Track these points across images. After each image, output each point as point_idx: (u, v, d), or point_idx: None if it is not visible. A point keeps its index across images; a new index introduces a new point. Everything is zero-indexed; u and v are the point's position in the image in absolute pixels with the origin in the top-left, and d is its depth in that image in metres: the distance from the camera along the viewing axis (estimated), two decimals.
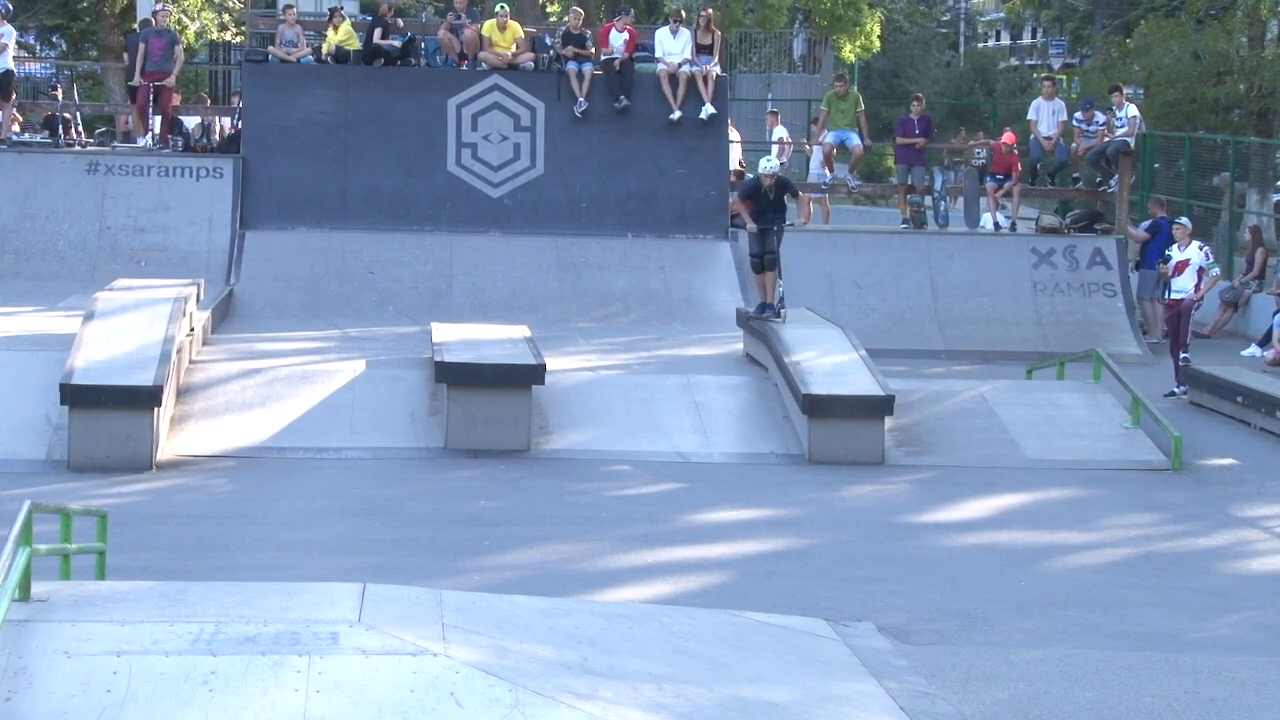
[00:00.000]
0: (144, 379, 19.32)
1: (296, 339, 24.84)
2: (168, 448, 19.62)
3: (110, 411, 19.05)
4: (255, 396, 21.13)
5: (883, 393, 20.73)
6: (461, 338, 22.23)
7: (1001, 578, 15.60)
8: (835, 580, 15.23)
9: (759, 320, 23.44)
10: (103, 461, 18.73)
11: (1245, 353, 27.71)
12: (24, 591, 10.50)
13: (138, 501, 17.20)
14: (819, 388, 20.59)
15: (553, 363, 21.42)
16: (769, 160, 24.85)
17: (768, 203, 23.45)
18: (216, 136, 31.55)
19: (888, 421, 20.71)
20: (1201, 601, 14.88)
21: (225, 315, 26.39)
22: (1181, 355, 25.09)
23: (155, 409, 19.21)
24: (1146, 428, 21.36)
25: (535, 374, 20.68)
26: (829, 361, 21.55)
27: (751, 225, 23.69)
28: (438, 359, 20.99)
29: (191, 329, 22.63)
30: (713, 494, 18.65)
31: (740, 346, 24.79)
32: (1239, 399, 23.39)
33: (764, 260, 23.82)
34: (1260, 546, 17.17)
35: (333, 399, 21.13)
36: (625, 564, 15.81)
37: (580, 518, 17.51)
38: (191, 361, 22.19)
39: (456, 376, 20.57)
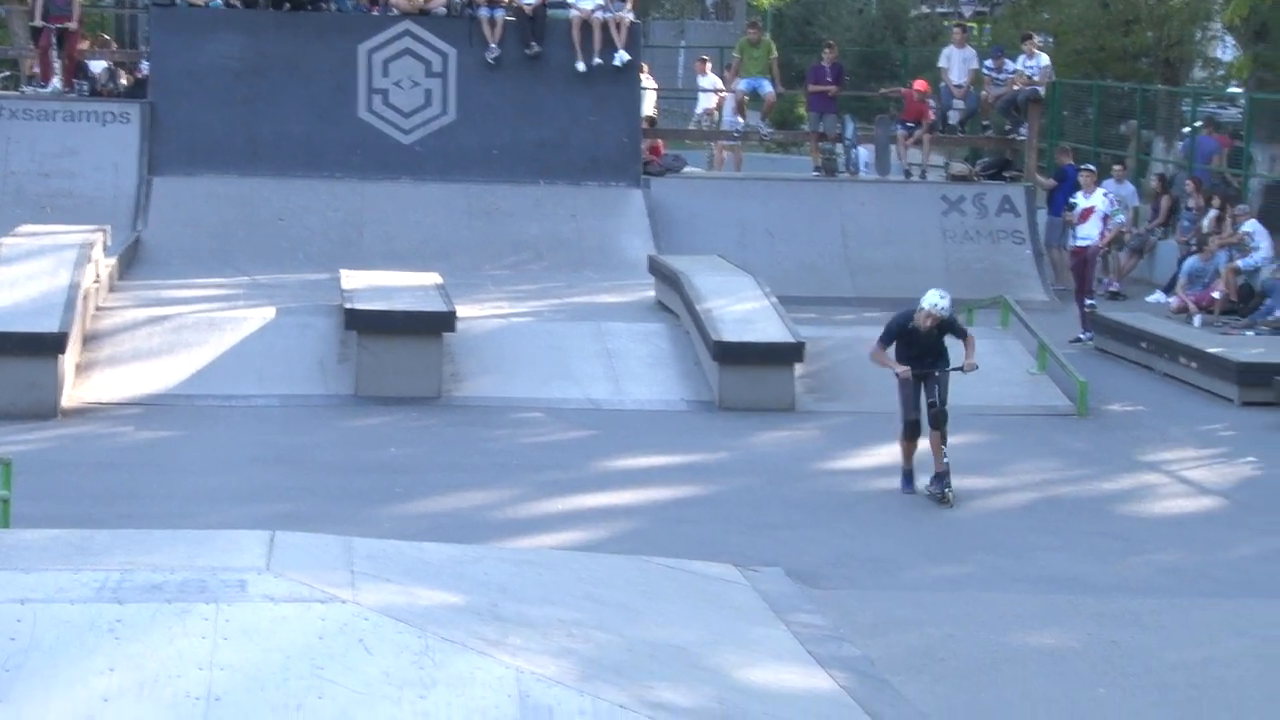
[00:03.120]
0: (49, 325, 19.16)
1: (205, 286, 24.63)
2: (73, 395, 19.46)
3: (14, 358, 18.88)
4: (163, 344, 20.97)
5: (793, 340, 20.77)
6: (372, 285, 22.11)
7: (910, 522, 15.71)
8: (744, 526, 15.28)
9: (935, 493, 16.46)
10: (7, 409, 18.55)
11: (1151, 299, 27.92)
12: None
13: (43, 449, 17.06)
14: (730, 335, 20.60)
15: (464, 310, 21.36)
16: (939, 297, 16.40)
17: (923, 348, 16.46)
18: (124, 81, 31.18)
19: (798, 368, 20.76)
20: (1105, 545, 15.02)
21: (132, 262, 26.14)
22: (1087, 302, 25.32)
23: (60, 356, 19.05)
24: (1053, 373, 21.52)
25: (446, 321, 20.62)
26: (740, 309, 21.57)
27: (901, 369, 16.47)
28: (348, 306, 20.89)
29: (98, 276, 22.42)
30: (624, 441, 18.66)
31: (652, 294, 24.76)
32: (1143, 345, 23.59)
33: (929, 415, 16.38)
34: (1163, 490, 17.34)
35: (242, 346, 20.98)
36: (536, 511, 15.82)
37: (491, 465, 17.49)
38: (98, 308, 22.00)
39: (366, 324, 20.47)
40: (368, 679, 9.29)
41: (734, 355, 20.44)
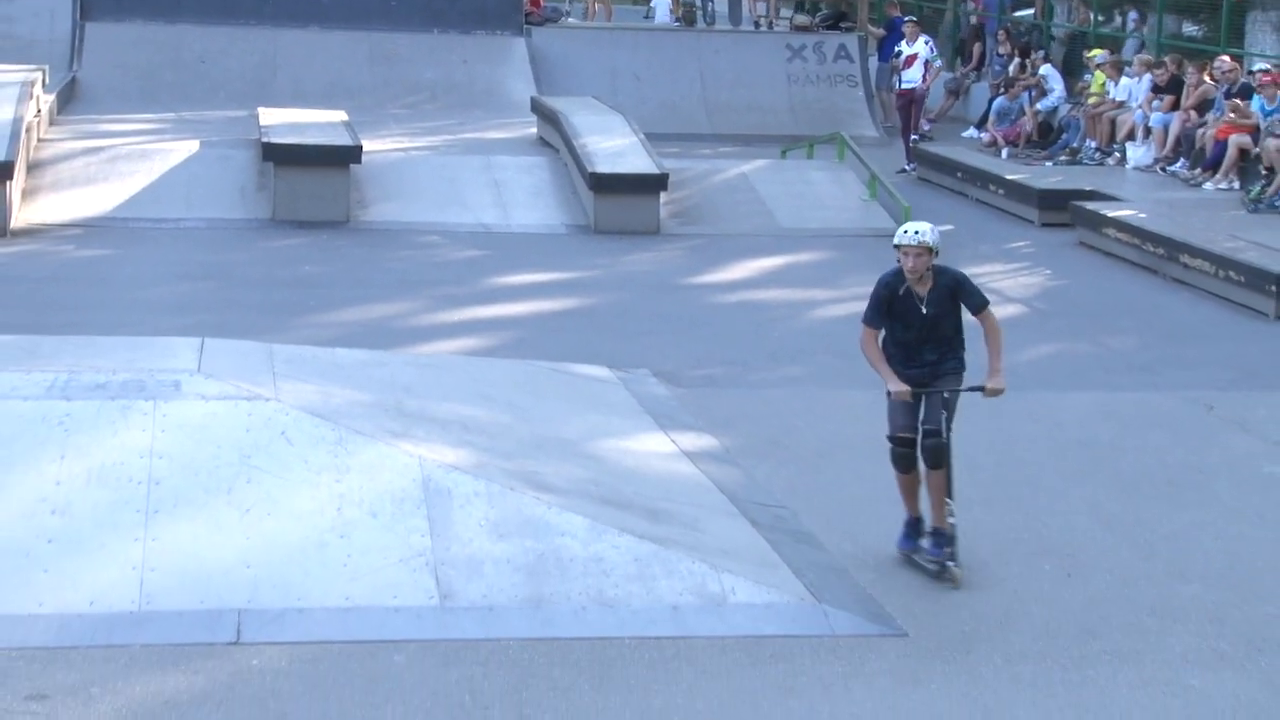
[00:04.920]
0: None
1: (135, 121, 24.19)
2: (20, 217, 19.16)
3: None
4: (99, 172, 20.66)
5: (658, 171, 20.79)
6: (286, 121, 21.82)
7: (759, 330, 15.80)
8: (617, 334, 15.33)
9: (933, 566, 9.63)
10: None
11: (965, 134, 28.03)
12: None
13: (3, 267, 16.80)
14: (603, 167, 20.57)
15: (368, 144, 21.14)
16: (916, 227, 9.58)
17: (923, 329, 9.63)
18: None
19: (663, 196, 20.77)
20: None
21: (69, 99, 25.64)
22: (912, 137, 25.49)
23: (8, 181, 18.74)
24: (882, 200, 21.65)
25: (353, 154, 20.47)
26: (612, 144, 21.49)
27: (898, 387, 9.55)
28: (265, 140, 20.64)
29: (39, 110, 21.98)
30: (511, 260, 18.61)
31: (534, 131, 24.60)
32: (959, 174, 23.87)
33: (922, 448, 9.68)
34: None
35: (170, 175, 20.72)
36: (435, 321, 15.79)
37: (395, 281, 17.42)
38: (40, 140, 21.61)
39: (282, 156, 20.26)
40: (290, 466, 9.30)
41: (607, 185, 20.40)
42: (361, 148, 20.54)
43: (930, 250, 9.21)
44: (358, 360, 12.13)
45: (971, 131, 28.02)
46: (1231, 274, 17.33)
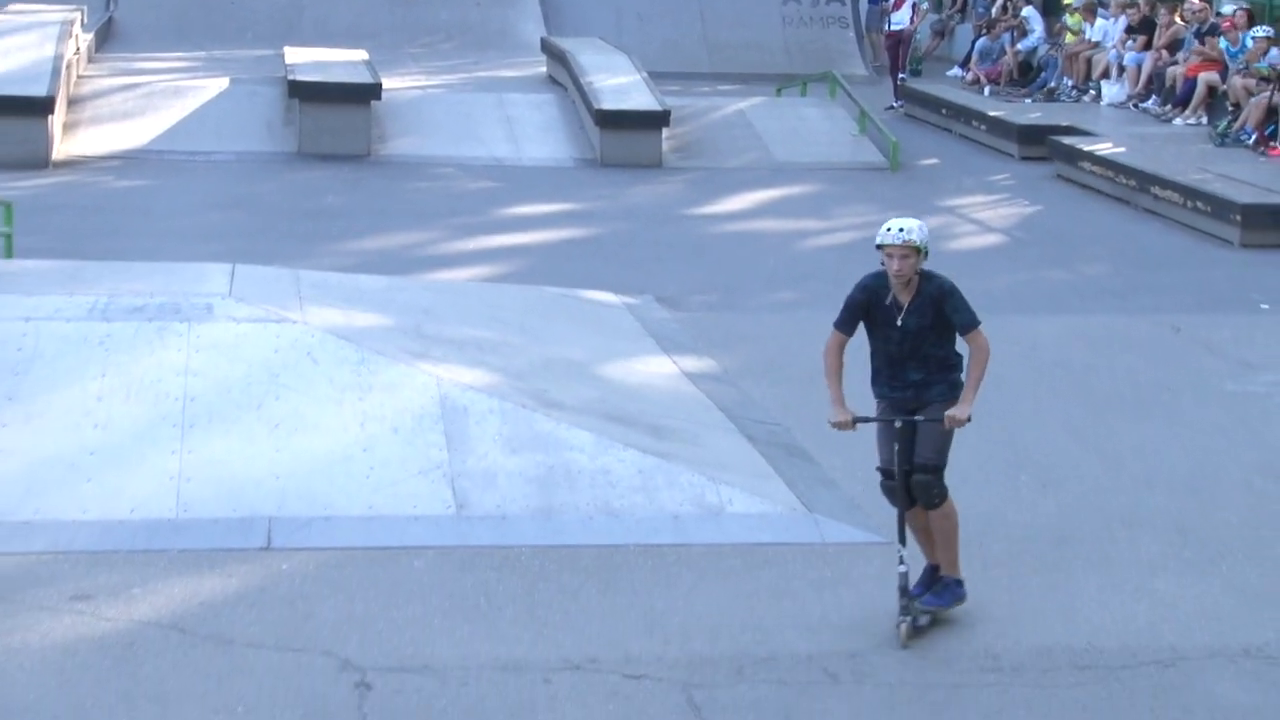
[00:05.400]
0: (39, 90, 18.85)
1: (169, 59, 24.12)
2: (61, 149, 19.15)
3: (10, 118, 18.55)
4: (135, 107, 20.61)
5: (660, 108, 20.73)
6: (311, 60, 21.76)
7: (756, 258, 15.79)
8: (622, 261, 15.32)
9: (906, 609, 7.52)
10: (4, 160, 18.19)
11: (950, 73, 27.88)
12: None
13: (38, 194, 16.78)
14: (609, 104, 20.52)
15: (388, 83, 21.09)
16: (902, 224, 7.46)
17: (906, 344, 7.63)
18: None
19: (665, 132, 20.70)
20: None
21: (106, 38, 25.57)
22: (899, 76, 25.36)
23: (49, 115, 18.71)
24: (871, 135, 21.57)
25: (373, 91, 20.43)
26: (617, 82, 21.42)
27: (839, 415, 7.73)
28: (291, 78, 20.60)
29: (77, 49, 21.90)
30: (522, 192, 18.58)
31: (544, 70, 24.51)
32: (943, 111, 23.76)
33: (912, 485, 7.68)
34: (957, 229, 17.51)
35: (201, 110, 20.68)
36: (451, 249, 15.78)
37: (413, 211, 17.39)
38: (79, 76, 21.54)
39: (307, 93, 20.23)
40: (316, 385, 9.32)
41: (612, 121, 20.35)
42: (381, 85, 20.48)
43: (918, 251, 7.32)
44: (379, 286, 12.14)
45: (956, 70, 27.87)
46: (1199, 204, 17.29)
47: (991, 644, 7.41)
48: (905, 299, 7.45)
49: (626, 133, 20.41)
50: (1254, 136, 19.94)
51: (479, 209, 17.66)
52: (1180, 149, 19.95)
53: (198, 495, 8.54)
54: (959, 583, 7.63)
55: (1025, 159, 21.16)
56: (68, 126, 19.79)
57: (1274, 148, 19.55)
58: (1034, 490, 9.48)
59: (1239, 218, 16.61)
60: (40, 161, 18.46)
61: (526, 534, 8.50)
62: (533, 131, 21.33)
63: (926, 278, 7.49)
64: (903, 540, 7.52)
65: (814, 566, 8.27)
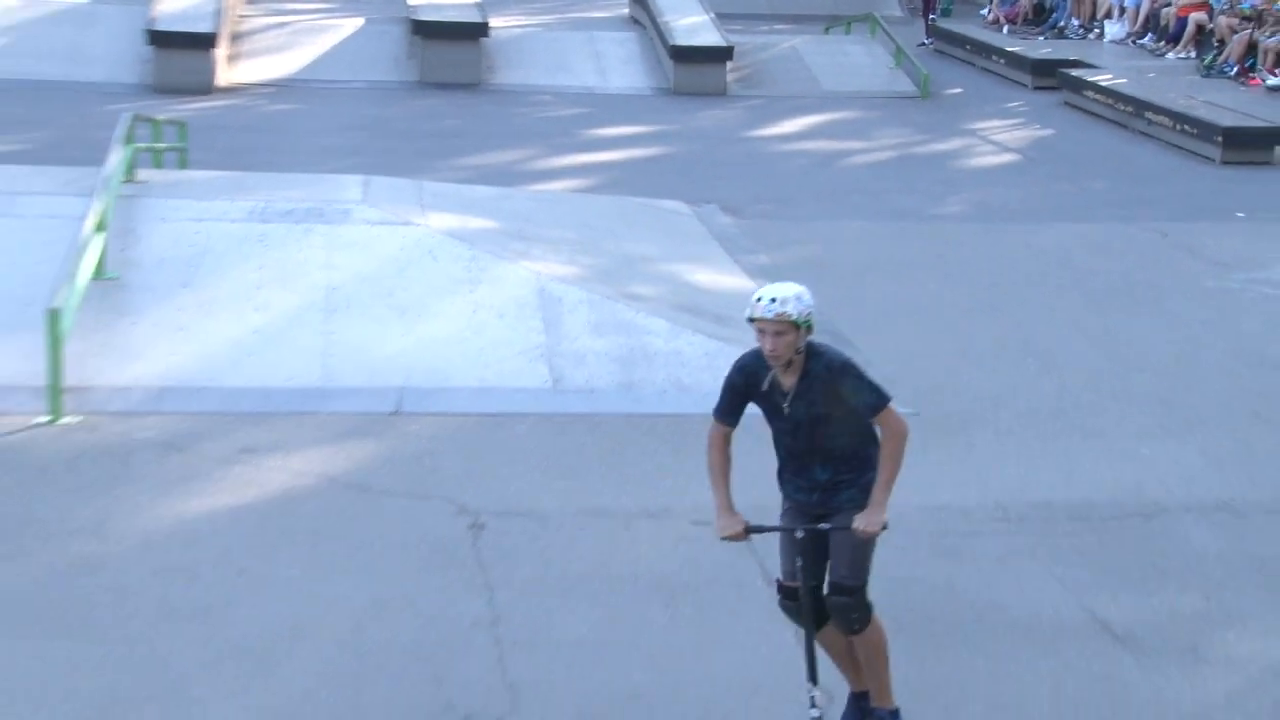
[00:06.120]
0: (205, 27, 18.92)
1: (313, 2, 24.01)
2: (223, 78, 19.17)
3: (182, 50, 18.60)
4: (284, 42, 20.60)
5: (725, 44, 20.51)
6: (429, 2, 21.62)
7: (805, 174, 15.68)
8: (691, 176, 15.25)
9: None
10: (178, 86, 18.30)
11: (983, 12, 27.38)
12: (130, 175, 10.38)
13: (205, 115, 16.85)
14: (681, 40, 20.36)
15: (495, 22, 20.97)
16: (774, 293, 4.90)
17: (792, 434, 5.06)
18: None
19: (728, 64, 20.47)
20: (938, 189, 15.04)
21: None
22: (930, 16, 24.97)
23: (212, 49, 18.77)
24: (905, 68, 21.27)
25: (482, 29, 20.30)
26: (688, 22, 21.19)
27: (720, 520, 5.08)
28: (413, 17, 20.51)
29: None
30: (607, 116, 18.48)
31: (626, 11, 24.21)
32: (967, 47, 23.40)
33: (831, 607, 5.09)
34: (978, 149, 17.30)
35: (339, 45, 20.65)
36: (548, 165, 15.74)
37: (516, 132, 17.35)
38: (239, 16, 21.52)
39: (427, 30, 20.14)
40: (435, 278, 9.39)
41: (684, 55, 20.18)
42: (489, 24, 20.36)
43: (795, 326, 4.85)
44: (488, 195, 12.17)
45: (984, 10, 27.38)
46: (1186, 127, 17.00)
47: (1001, 499, 7.43)
48: (789, 382, 4.94)
49: (696, 66, 20.21)
50: (1235, 69, 19.58)
51: (571, 130, 17.60)
52: (1171, 80, 19.57)
53: (340, 368, 8.65)
54: (894, 714, 5.18)
55: (1038, 89, 20.80)
56: (229, 59, 19.82)
57: (1253, 78, 19.18)
58: (1039, 372, 9.44)
59: (1220, 139, 16.34)
60: (206, 88, 18.53)
61: (611, 404, 8.56)
62: (616, 64, 21.16)
63: (813, 355, 4.94)
64: (813, 675, 4.91)
65: None
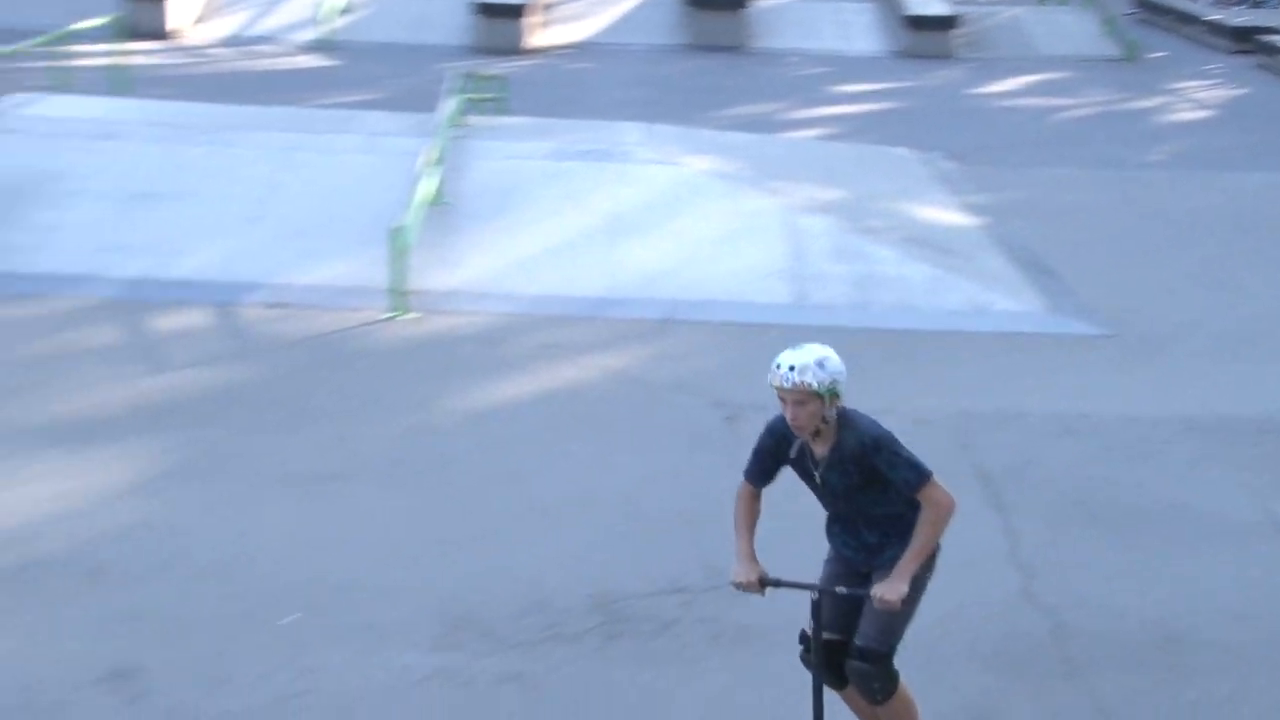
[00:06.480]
0: (517, 0, 19.07)
1: None
2: (533, 40, 19.38)
3: (500, 19, 18.89)
4: (582, 11, 20.68)
5: (952, 13, 19.77)
6: None
7: (1021, 126, 15.04)
8: (921, 126, 14.78)
9: None
10: (497, 48, 18.56)
11: None
12: (459, 120, 10.59)
13: (517, 71, 17.03)
14: (915, 10, 19.72)
15: None
16: (793, 359, 3.78)
17: (829, 501, 3.94)
18: None
19: (955, 31, 19.72)
20: (1140, 141, 14.25)
21: None
22: None
23: (522, 18, 18.98)
24: (1114, 35, 20.13)
25: (742, 2, 19.99)
26: None
27: (737, 568, 3.90)
28: None
29: None
30: (848, 75, 18.03)
31: None
32: (1170, 15, 22.06)
33: (849, 672, 3.90)
34: (1178, 106, 16.31)
35: (626, 14, 20.66)
36: (796, 116, 15.46)
37: (771, 88, 17.08)
38: None
39: (699, 2, 19.94)
40: (701, 208, 9.34)
41: (917, 23, 19.57)
42: None
43: (818, 396, 3.81)
44: (745, 140, 12.03)
45: None
46: None
47: (1191, 412, 6.99)
48: (821, 450, 3.89)
49: (926, 32, 19.52)
50: None
51: (816, 87, 17.23)
52: None
53: (623, 282, 8.69)
54: None
55: (1234, 53, 19.46)
56: (537, 25, 20.01)
57: None
58: (1230, 302, 8.87)
59: None
60: (518, 50, 18.76)
61: (847, 319, 8.39)
62: (857, 31, 20.58)
63: (846, 425, 3.87)
64: None
65: (1054, 351, 7.95)
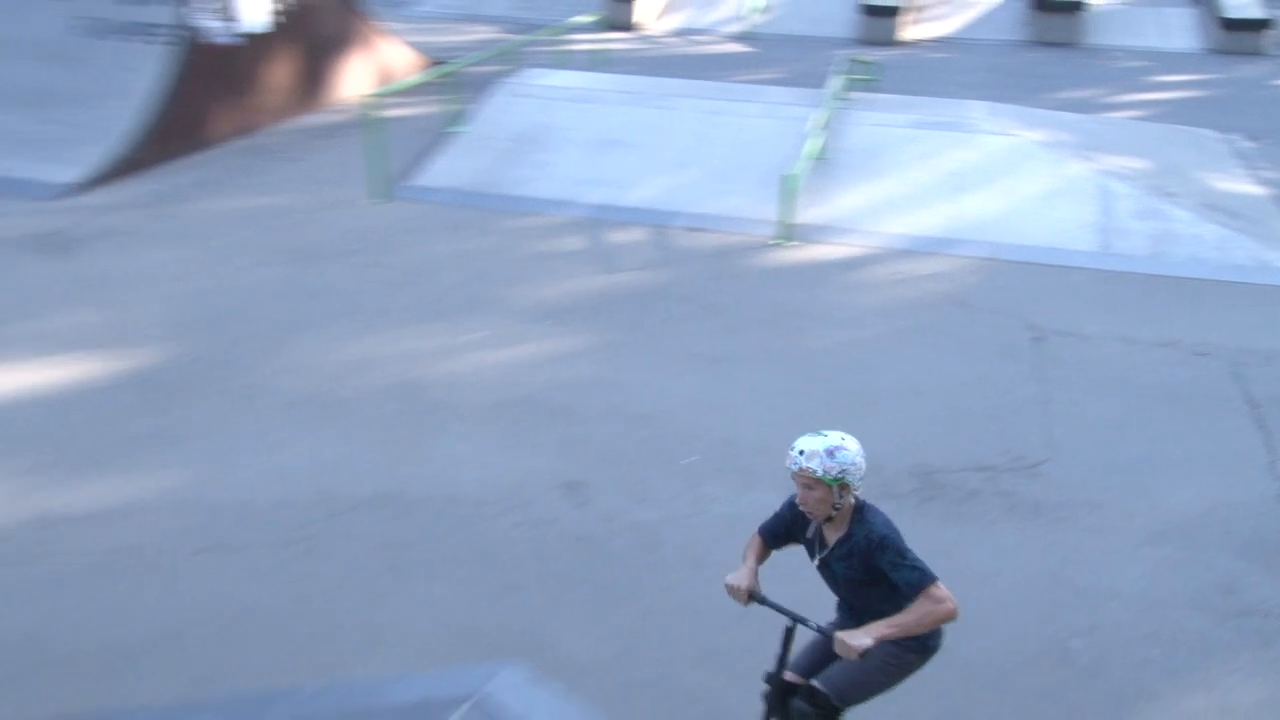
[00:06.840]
0: (894, 2, 17.90)
1: None
2: (904, 35, 18.35)
3: (880, 17, 17.95)
4: (946, 12, 19.36)
5: (1265, 16, 16.99)
6: None
7: None
8: (1225, 112, 13.18)
9: None
10: (877, 39, 17.80)
11: None
12: (842, 95, 10.21)
13: (889, 60, 16.40)
14: (1230, 14, 17.20)
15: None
16: (806, 445, 2.98)
17: (836, 588, 3.09)
18: None
19: (1266, 31, 16.86)
20: None
21: None
22: None
23: (895, 16, 17.93)
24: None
25: (1081, 5, 17.86)
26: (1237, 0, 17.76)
27: (736, 582, 3.10)
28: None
29: None
30: (1165, 68, 16.17)
31: None
32: None
33: (789, 712, 3.04)
34: None
35: (980, 14, 19.18)
36: (1115, 100, 14.16)
37: (1096, 77, 15.65)
38: None
39: (1043, 5, 18.21)
40: (1027, 170, 8.68)
41: (1231, 25, 17.12)
42: (1082, 2, 17.89)
43: (824, 484, 3.01)
44: (1069, 118, 11.14)
45: None
46: None
47: None
48: (831, 537, 3.09)
49: (1239, 33, 17.09)
50: None
51: (1136, 77, 15.51)
52: None
53: (959, 226, 8.52)
54: None
55: None
56: (909, 22, 18.89)
57: None
58: None
59: None
60: (892, 41, 17.87)
61: (1144, 267, 7.88)
62: (1176, 31, 18.18)
63: (860, 519, 3.06)
64: None
65: None
